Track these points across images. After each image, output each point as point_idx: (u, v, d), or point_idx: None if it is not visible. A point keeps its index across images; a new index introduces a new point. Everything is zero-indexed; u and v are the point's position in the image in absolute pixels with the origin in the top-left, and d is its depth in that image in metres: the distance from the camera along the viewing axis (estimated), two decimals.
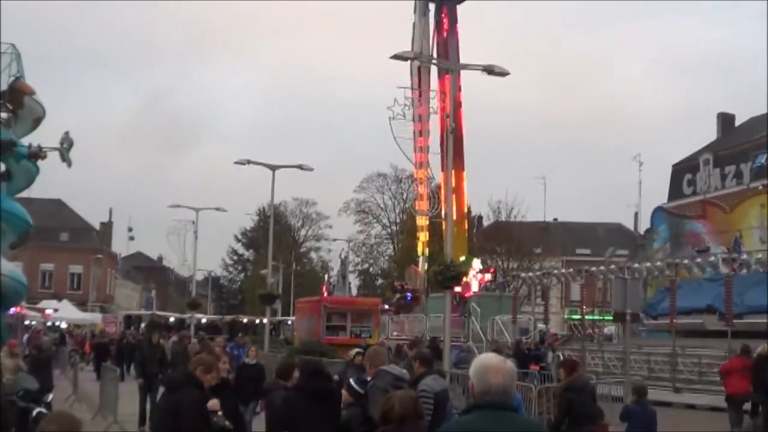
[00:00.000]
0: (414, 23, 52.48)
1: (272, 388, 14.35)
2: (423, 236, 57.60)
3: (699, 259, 44.16)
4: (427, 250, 56.92)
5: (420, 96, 46.31)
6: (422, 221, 56.13)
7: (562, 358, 38.70)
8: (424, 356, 13.38)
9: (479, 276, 50.52)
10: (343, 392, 11.78)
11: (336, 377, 13.36)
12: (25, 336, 45.68)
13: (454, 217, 37.45)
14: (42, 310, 68.94)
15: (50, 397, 18.94)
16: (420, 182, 55.10)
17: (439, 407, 12.05)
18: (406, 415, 6.98)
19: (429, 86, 46.27)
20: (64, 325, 74.09)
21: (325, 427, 10.90)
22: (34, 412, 16.33)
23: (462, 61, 43.73)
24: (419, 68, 46.86)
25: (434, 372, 13.21)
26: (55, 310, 72.58)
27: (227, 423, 11.50)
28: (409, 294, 52.11)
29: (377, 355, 12.75)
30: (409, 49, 32.16)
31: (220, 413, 11.11)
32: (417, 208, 53.58)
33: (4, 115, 33.34)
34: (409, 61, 28.36)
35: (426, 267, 52.92)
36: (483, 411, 5.79)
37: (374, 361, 12.35)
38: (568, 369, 16.82)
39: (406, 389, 8.15)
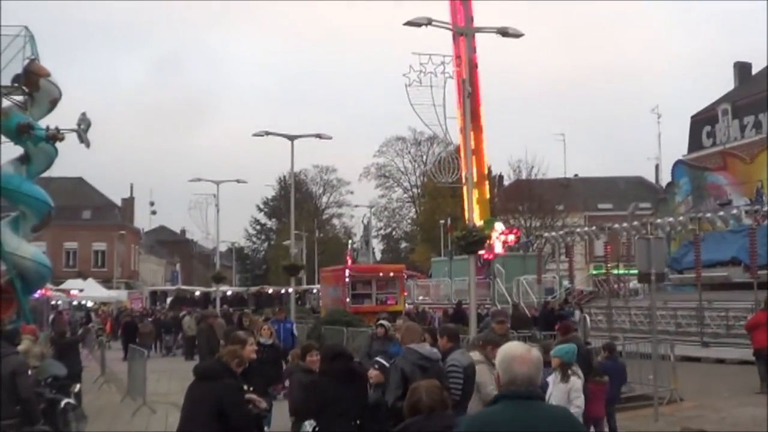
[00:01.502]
0: None
1: (293, 371, 14.37)
2: None
3: (722, 212, 43.95)
4: None
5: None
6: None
7: (588, 317, 38.73)
8: (450, 330, 13.30)
9: (502, 238, 50.34)
10: (374, 372, 11.71)
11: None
12: (50, 318, 45.84)
13: (475, 180, 37.17)
14: (67, 291, 69.23)
15: (78, 386, 18.95)
16: None
17: (468, 381, 12.01)
18: (435, 406, 6.92)
19: None
20: (90, 304, 74.54)
21: (353, 407, 10.87)
22: (63, 403, 16.38)
23: (476, 23, 43.53)
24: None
25: (460, 346, 13.15)
26: (81, 290, 72.90)
27: (264, 405, 11.55)
28: None
29: (409, 331, 12.46)
30: (423, 12, 31.99)
31: (258, 401, 11.16)
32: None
33: (20, 98, 33.39)
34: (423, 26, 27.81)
35: None
36: (510, 401, 5.78)
37: (405, 337, 12.21)
38: (562, 331, 17.76)
39: (429, 379, 8.05)
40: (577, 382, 13.38)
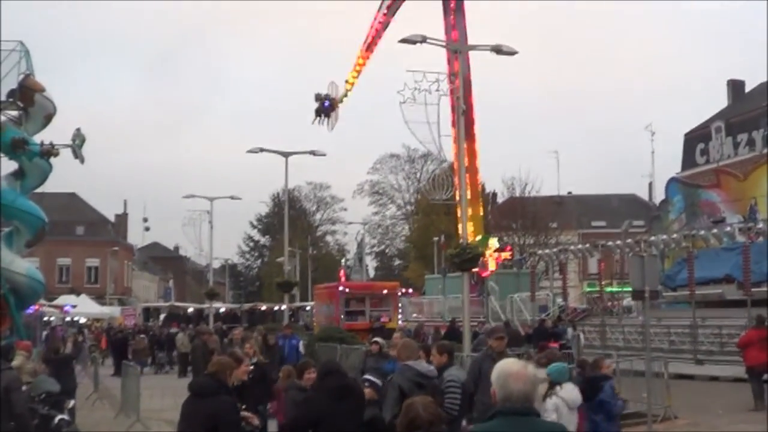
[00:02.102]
0: None
1: (288, 388, 14.35)
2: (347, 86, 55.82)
3: (715, 229, 44.00)
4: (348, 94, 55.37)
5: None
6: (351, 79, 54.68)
7: (582, 335, 38.72)
8: (445, 346, 13.33)
9: (496, 255, 50.34)
10: (366, 390, 11.70)
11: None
12: (44, 333, 45.80)
13: (469, 197, 37.22)
14: (60, 307, 69.11)
15: (72, 402, 18.92)
16: None
17: (465, 397, 12.07)
18: (433, 421, 6.92)
19: None
20: (83, 320, 74.39)
21: (348, 424, 10.84)
22: (56, 419, 16.35)
23: (470, 40, 43.65)
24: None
25: (454, 362, 13.19)
26: (73, 306, 72.76)
27: (256, 422, 11.54)
28: (327, 102, 51.43)
29: (405, 347, 12.60)
30: (416, 30, 32.10)
31: (250, 418, 11.17)
32: None
33: (14, 113, 33.41)
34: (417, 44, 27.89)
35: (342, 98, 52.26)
36: (506, 417, 5.83)
37: (402, 354, 12.23)
38: (539, 350, 17.55)
39: (422, 395, 8.04)
40: (549, 403, 13.04)
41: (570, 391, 13.44)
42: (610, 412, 15.75)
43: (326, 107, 51.03)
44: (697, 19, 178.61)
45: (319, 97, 51.10)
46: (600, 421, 15.33)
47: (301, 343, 30.59)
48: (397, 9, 47.46)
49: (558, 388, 13.25)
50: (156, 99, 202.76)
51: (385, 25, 48.50)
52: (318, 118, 51.62)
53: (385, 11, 48.49)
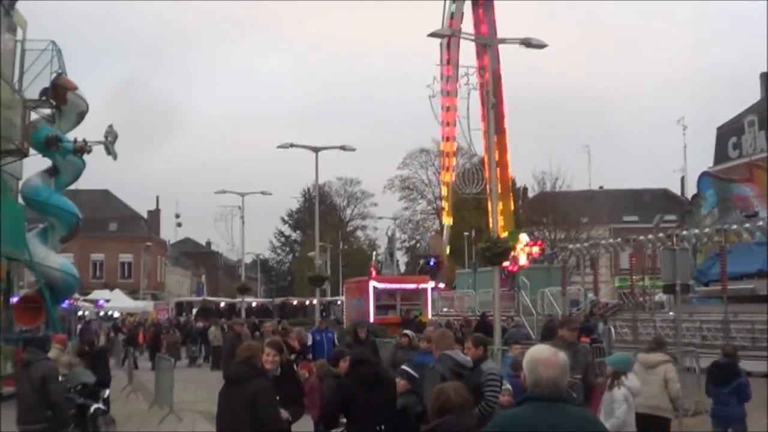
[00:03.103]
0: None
1: (323, 376, 14.50)
2: (446, 205, 56.78)
3: (748, 224, 43.78)
4: (450, 220, 56.00)
5: (449, 71, 46.76)
6: (445, 190, 55.52)
7: (613, 329, 38.63)
8: (480, 339, 13.33)
9: (527, 249, 50.33)
10: (400, 381, 11.78)
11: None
12: (78, 327, 46.11)
13: (499, 191, 37.27)
14: (94, 301, 69.53)
15: (107, 392, 19.15)
16: (446, 155, 54.93)
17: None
18: (465, 405, 7.01)
19: (458, 61, 46.92)
20: (116, 315, 74.83)
21: (379, 411, 10.94)
22: (92, 408, 16.57)
23: (499, 33, 43.69)
24: (448, 43, 47.12)
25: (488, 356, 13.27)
26: (107, 301, 73.20)
27: (286, 415, 11.63)
28: (432, 260, 51.71)
29: (443, 337, 12.62)
30: (441, 22, 32.15)
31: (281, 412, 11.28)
32: (443, 180, 53.06)
33: (48, 111, 33.72)
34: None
35: (447, 232, 52.71)
36: (534, 402, 5.90)
37: (440, 343, 12.30)
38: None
39: (454, 381, 8.14)
40: (618, 393, 13.17)
41: (633, 380, 13.66)
42: (744, 396, 17.47)
43: (433, 266, 51.75)
44: (729, 12, 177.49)
45: (425, 263, 51.83)
46: (734, 404, 17.12)
47: (336, 336, 30.52)
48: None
49: (624, 378, 13.41)
50: (186, 96, 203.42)
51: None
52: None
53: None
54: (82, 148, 33.60)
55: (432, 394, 7.05)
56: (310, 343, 27.26)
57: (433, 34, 28.27)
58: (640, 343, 36.33)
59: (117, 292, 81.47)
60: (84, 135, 34.17)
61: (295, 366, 22.43)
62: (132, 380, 32.34)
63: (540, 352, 6.11)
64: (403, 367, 12.67)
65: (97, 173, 56.11)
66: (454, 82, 41.09)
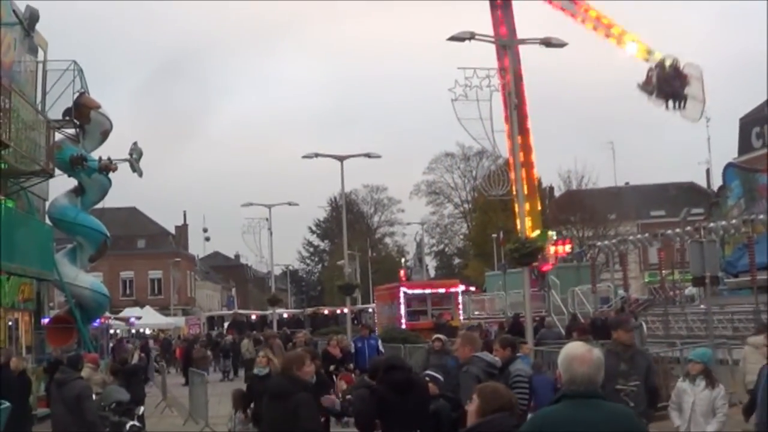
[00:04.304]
0: None
1: (358, 385, 14.46)
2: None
3: None
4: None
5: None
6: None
7: (644, 324, 38.45)
8: (508, 340, 13.30)
9: (555, 249, 50.22)
10: (430, 384, 11.75)
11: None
12: (110, 345, 46.24)
13: (525, 192, 37.20)
14: (126, 319, 69.75)
15: (142, 409, 19.19)
16: None
17: (531, 391, 12.11)
18: (516, 403, 7.01)
19: None
20: (148, 332, 75.01)
21: (412, 416, 10.93)
22: (128, 426, 16.60)
23: (519, 29, 43.72)
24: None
25: (517, 356, 13.18)
26: (138, 318, 73.41)
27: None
28: None
29: (473, 341, 12.61)
30: (465, 27, 32.13)
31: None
32: None
33: (71, 131, 33.85)
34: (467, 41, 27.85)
35: None
36: (570, 400, 5.94)
37: (468, 346, 12.27)
38: (578, 333, 17.45)
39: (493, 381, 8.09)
40: (720, 390, 12.81)
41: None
42: None
43: None
44: (750, 2, 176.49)
45: None
46: None
47: (380, 342, 29.93)
48: None
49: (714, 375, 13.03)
50: (210, 109, 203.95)
51: None
52: None
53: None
54: (108, 167, 33.72)
55: (482, 395, 6.93)
56: (352, 351, 27.18)
57: (452, 38, 28.20)
58: (672, 337, 36.16)
59: (148, 309, 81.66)
60: (109, 153, 34.31)
61: (334, 377, 22.36)
62: (166, 396, 32.39)
63: (575, 349, 6.13)
64: (428, 371, 12.66)
65: (123, 191, 56.28)
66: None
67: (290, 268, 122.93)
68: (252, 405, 15.48)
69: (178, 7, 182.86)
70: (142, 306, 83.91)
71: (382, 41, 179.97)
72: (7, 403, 16.75)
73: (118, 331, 64.41)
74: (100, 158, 33.68)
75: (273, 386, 10.77)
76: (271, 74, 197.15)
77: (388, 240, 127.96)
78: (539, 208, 51.92)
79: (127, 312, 74.11)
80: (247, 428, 15.88)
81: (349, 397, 17.61)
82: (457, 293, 50.11)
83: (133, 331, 71.96)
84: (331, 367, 24.13)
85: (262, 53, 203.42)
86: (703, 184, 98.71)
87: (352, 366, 25.19)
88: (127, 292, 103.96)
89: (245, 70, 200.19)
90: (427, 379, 11.87)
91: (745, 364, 17.96)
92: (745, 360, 18.13)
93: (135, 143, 36.65)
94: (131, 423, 16.84)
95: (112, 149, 34.75)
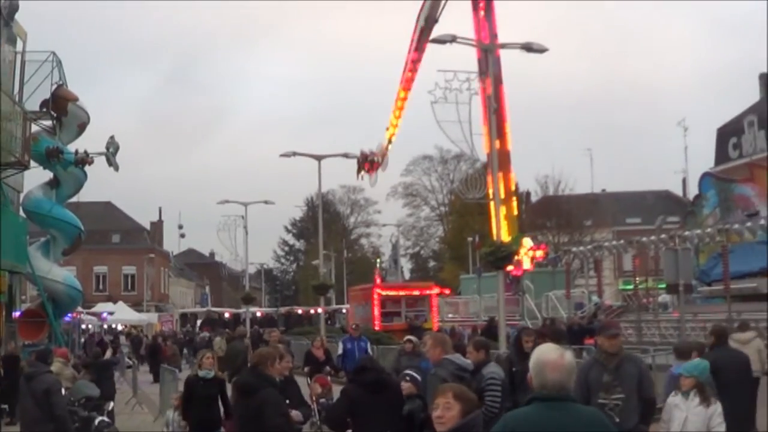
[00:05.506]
0: None
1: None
2: (392, 129, 56.09)
3: (749, 223, 43.76)
4: (393, 138, 55.64)
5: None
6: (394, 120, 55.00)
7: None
8: (481, 342, 13.29)
9: (531, 253, 50.23)
10: (405, 384, 11.69)
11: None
12: (82, 340, 46.03)
13: (502, 196, 37.22)
14: (98, 314, 69.44)
15: (111, 405, 19.08)
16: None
17: (506, 395, 12.09)
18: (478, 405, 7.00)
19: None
20: (120, 328, 74.69)
21: (385, 416, 10.91)
22: (96, 421, 16.50)
23: (500, 35, 43.75)
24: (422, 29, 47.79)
25: (491, 359, 13.17)
26: (111, 313, 73.10)
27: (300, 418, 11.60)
28: (370, 162, 51.65)
29: (444, 342, 12.61)
30: (447, 29, 32.17)
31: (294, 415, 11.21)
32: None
33: (48, 123, 33.70)
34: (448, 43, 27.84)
35: (388, 146, 52.85)
36: (542, 402, 5.96)
37: (438, 347, 12.24)
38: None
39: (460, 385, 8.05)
40: (719, 406, 11.70)
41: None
42: None
43: (369, 167, 51.74)
44: (728, 13, 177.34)
45: (364, 158, 51.57)
46: None
47: (369, 345, 28.10)
48: (425, 47, 47.76)
49: (709, 391, 11.90)
50: (188, 106, 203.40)
51: (417, 62, 49.18)
52: (360, 173, 52.19)
53: (415, 49, 48.94)
54: (84, 160, 33.59)
55: (461, 399, 6.90)
56: (340, 352, 26.29)
57: (434, 40, 28.24)
58: (645, 344, 36.23)
59: (120, 304, 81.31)
60: (85, 146, 34.19)
61: (309, 379, 22.06)
62: (137, 393, 32.23)
63: (547, 354, 6.11)
64: (408, 371, 12.62)
65: (99, 185, 56.20)
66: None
67: (265, 267, 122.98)
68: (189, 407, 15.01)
69: (159, 2, 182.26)
70: (115, 301, 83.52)
71: (363, 41, 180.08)
72: None
73: (90, 326, 64.11)
74: (77, 151, 33.55)
75: (240, 383, 10.74)
76: (251, 72, 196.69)
77: (363, 241, 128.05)
78: (515, 212, 51.88)
79: (99, 307, 73.74)
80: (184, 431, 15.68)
81: (323, 401, 17.61)
82: (431, 296, 50.17)
83: (105, 326, 71.61)
84: (306, 368, 23.93)
85: (243, 50, 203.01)
86: (680, 192, 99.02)
87: (329, 368, 24.37)
88: (100, 287, 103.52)
89: (225, 66, 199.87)
90: (407, 378, 11.82)
91: None
92: None
93: (112, 137, 36.52)
94: (100, 419, 16.74)
95: (88, 143, 34.63)
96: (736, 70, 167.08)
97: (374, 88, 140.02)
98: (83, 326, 56.51)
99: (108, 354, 29.53)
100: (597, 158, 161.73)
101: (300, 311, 77.52)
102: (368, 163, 51.86)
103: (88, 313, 64.03)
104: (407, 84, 50.89)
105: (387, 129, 53.25)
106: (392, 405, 11.06)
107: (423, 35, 47.55)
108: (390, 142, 53.24)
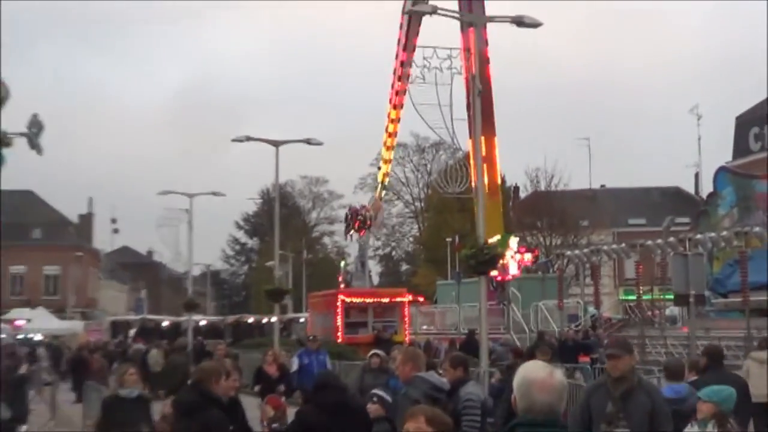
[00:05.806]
0: None
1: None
2: (384, 167, 56.83)
3: None
4: (386, 180, 56.14)
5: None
6: (386, 155, 55.45)
7: None
8: (459, 359, 13.30)
9: (518, 257, 50.32)
10: (372, 406, 11.69)
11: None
12: None
13: (486, 191, 37.24)
14: (12, 321, 69.00)
15: (24, 429, 18.95)
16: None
17: (484, 417, 12.11)
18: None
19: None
20: (38, 338, 74.19)
21: None
22: None
23: (488, 11, 43.76)
24: (410, 18, 47.33)
25: (471, 377, 13.19)
26: (28, 321, 72.71)
27: None
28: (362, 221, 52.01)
29: (416, 358, 12.67)
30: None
31: None
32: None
33: None
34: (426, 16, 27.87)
35: (382, 194, 53.17)
36: (527, 428, 5.92)
37: (410, 364, 12.27)
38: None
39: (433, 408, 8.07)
40: None
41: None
42: None
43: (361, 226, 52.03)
44: None
45: (354, 215, 51.83)
46: None
47: (328, 358, 27.75)
48: (415, 42, 47.41)
49: (731, 424, 10.91)
50: (128, 82, 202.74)
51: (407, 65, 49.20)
52: (350, 233, 52.46)
53: (404, 48, 48.58)
54: (1, 141, 33.43)
55: (435, 423, 6.93)
56: (295, 368, 25.91)
57: (410, 12, 28.37)
58: (649, 364, 36.32)
59: (40, 310, 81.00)
60: (4, 126, 33.99)
61: (260, 400, 21.95)
62: (55, 414, 32.07)
63: (534, 372, 6.07)
64: (375, 390, 12.61)
65: (18, 171, 55.77)
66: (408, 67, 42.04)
67: (212, 268, 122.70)
68: None
69: None
70: (33, 307, 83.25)
71: (330, 10, 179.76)
72: None
73: (2, 335, 63.80)
74: None
75: (180, 402, 10.70)
76: (201, 45, 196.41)
77: (326, 240, 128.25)
78: (501, 209, 51.94)
79: (14, 313, 73.43)
80: None
81: (275, 425, 17.56)
82: (403, 304, 50.12)
83: (20, 336, 71.15)
84: (256, 388, 23.83)
85: (187, 19, 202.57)
86: (691, 190, 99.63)
87: (284, 387, 24.13)
88: (18, 289, 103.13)
89: (169, 38, 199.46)
90: (374, 399, 11.82)
91: (747, 379, 18.27)
92: (748, 375, 18.59)
93: (35, 115, 36.23)
94: None
95: (7, 122, 34.43)
96: (759, 51, 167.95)
97: (343, 65, 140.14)
98: None
99: (23, 369, 29.38)
100: (596, 149, 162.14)
101: (251, 320, 77.50)
102: (359, 221, 51.94)
103: (0, 321, 63.72)
104: (399, 100, 49.99)
105: (378, 168, 53.05)
106: (355, 429, 11.06)
107: (411, 28, 47.17)
108: (384, 187, 52.96)
